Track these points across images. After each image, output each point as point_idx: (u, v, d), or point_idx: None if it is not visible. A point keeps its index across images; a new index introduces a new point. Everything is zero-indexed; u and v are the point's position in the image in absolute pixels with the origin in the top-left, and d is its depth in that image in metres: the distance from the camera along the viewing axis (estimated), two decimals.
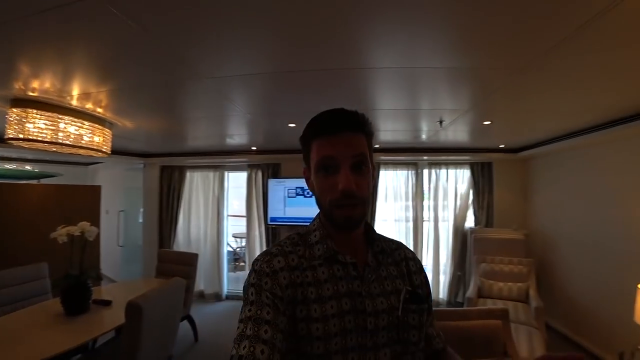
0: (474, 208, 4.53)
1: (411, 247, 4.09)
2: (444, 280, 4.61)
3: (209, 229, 4.96)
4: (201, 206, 4.99)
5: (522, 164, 4.42)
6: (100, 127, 2.55)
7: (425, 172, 4.65)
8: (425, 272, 0.83)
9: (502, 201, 4.46)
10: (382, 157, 4.40)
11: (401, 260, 0.79)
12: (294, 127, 3.04)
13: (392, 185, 4.73)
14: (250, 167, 4.76)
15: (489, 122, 2.83)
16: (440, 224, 4.63)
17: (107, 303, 2.57)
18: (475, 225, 4.48)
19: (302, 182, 4.17)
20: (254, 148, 4.28)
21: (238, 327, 0.59)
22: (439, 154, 4.28)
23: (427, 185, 4.68)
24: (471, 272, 4.04)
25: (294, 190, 4.35)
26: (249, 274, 0.68)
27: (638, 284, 2.18)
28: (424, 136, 3.50)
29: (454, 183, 4.62)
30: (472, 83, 1.97)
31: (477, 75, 1.82)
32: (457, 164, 4.59)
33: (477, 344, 1.81)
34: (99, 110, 2.41)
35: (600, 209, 3.10)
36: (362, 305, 0.67)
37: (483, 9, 1.16)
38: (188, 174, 4.95)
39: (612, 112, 2.43)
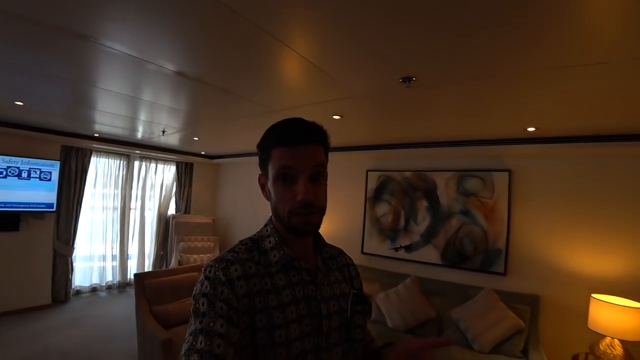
0: (176, 198, 5.53)
1: (117, 236, 4.88)
2: (147, 263, 5.27)
3: None
4: None
5: (215, 167, 5.97)
6: None
7: (136, 163, 5.09)
8: (360, 277, 0.89)
9: (198, 193, 5.79)
10: (95, 145, 4.40)
11: (343, 266, 0.84)
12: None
13: (102, 173, 4.76)
14: None
15: (197, 138, 3.94)
16: (146, 212, 5.23)
17: None
18: (177, 212, 5.50)
19: (15, 162, 3.55)
20: None
21: (186, 340, 0.56)
22: (150, 150, 4.85)
23: (137, 176, 5.12)
24: (172, 250, 5.01)
25: (4, 170, 3.52)
26: (200, 281, 0.64)
27: None
28: (139, 135, 4.02)
29: (161, 176, 5.40)
30: (190, 118, 2.95)
31: (195, 115, 2.83)
32: (165, 161, 5.39)
33: (184, 288, 2.84)
34: None
35: (253, 201, 5.01)
36: (317, 308, 0.69)
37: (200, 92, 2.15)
38: None
39: None
